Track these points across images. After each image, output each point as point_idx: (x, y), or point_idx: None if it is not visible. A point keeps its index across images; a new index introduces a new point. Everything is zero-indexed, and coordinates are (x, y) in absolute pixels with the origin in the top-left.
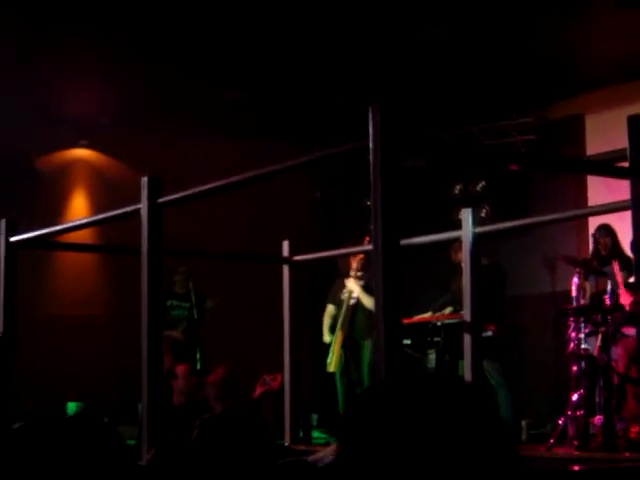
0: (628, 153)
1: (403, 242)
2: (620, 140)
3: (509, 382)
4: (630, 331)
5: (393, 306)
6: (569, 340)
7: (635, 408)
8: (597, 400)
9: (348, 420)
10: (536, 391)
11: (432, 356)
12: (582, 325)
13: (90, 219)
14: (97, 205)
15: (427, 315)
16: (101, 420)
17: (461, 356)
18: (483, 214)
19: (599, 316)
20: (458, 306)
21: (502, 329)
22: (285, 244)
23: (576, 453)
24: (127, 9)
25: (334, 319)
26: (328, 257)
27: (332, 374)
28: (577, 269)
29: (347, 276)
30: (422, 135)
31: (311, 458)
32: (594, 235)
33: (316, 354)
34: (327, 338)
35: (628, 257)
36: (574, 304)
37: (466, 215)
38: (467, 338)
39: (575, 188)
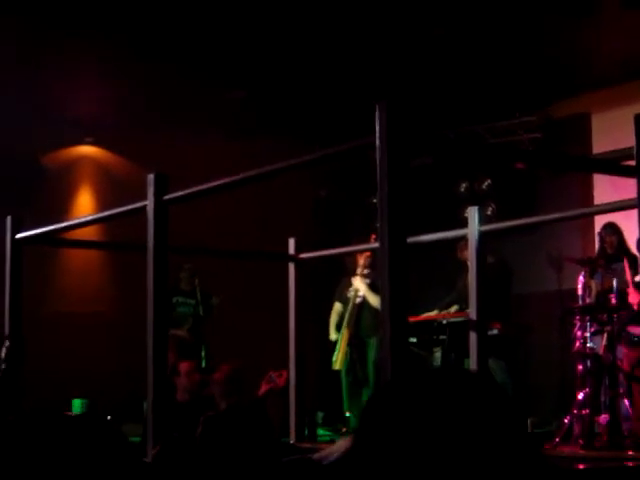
0: (634, 152)
1: (409, 240)
2: (626, 139)
3: (514, 380)
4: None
5: (399, 304)
6: (575, 339)
7: None
8: (602, 399)
9: (366, 415)
10: (541, 390)
11: (437, 354)
12: (588, 324)
13: (96, 216)
14: (102, 202)
15: (433, 313)
16: (103, 418)
17: (467, 354)
18: (489, 212)
19: (605, 315)
20: (464, 304)
21: (508, 327)
22: (291, 242)
23: (581, 452)
24: (130, 9)
25: (341, 317)
26: (334, 255)
27: (337, 372)
28: (583, 267)
29: (354, 274)
30: (428, 133)
31: (317, 456)
32: (600, 234)
33: (321, 352)
34: (333, 336)
35: (634, 256)
36: (580, 303)
37: (472, 213)
38: (473, 336)
39: (581, 186)
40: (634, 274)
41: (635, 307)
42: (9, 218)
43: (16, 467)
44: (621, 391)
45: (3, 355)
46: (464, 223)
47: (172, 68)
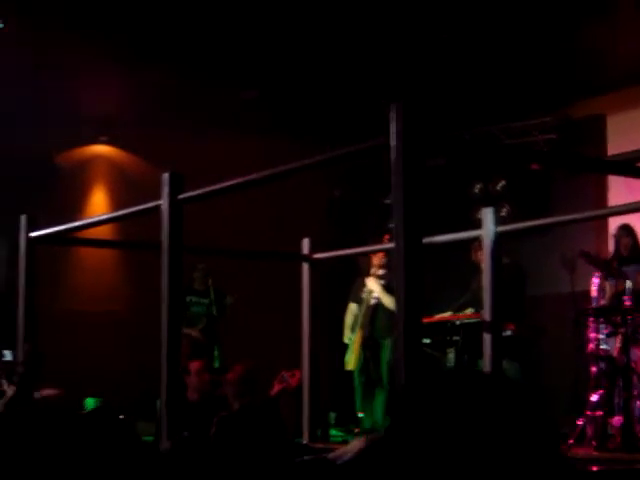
0: None
1: (423, 241)
2: None
3: (528, 382)
4: None
5: (414, 305)
6: (588, 340)
7: None
8: (616, 401)
9: (395, 416)
10: (555, 391)
11: (451, 355)
12: (602, 326)
13: (111, 215)
14: (116, 201)
15: (447, 314)
16: (116, 416)
17: (480, 355)
18: (503, 213)
19: (619, 317)
20: (478, 305)
21: (522, 329)
22: (305, 242)
23: (595, 453)
24: (145, 9)
25: (356, 318)
26: (347, 255)
27: (350, 372)
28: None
29: (368, 274)
30: (443, 134)
31: (331, 455)
32: (615, 235)
33: (335, 352)
34: (348, 337)
35: None
36: (594, 304)
37: (487, 214)
38: (487, 337)
39: (596, 188)
40: None
41: None
42: (23, 217)
43: (30, 463)
44: (635, 393)
45: (23, 359)
46: (478, 224)
47: (186, 68)
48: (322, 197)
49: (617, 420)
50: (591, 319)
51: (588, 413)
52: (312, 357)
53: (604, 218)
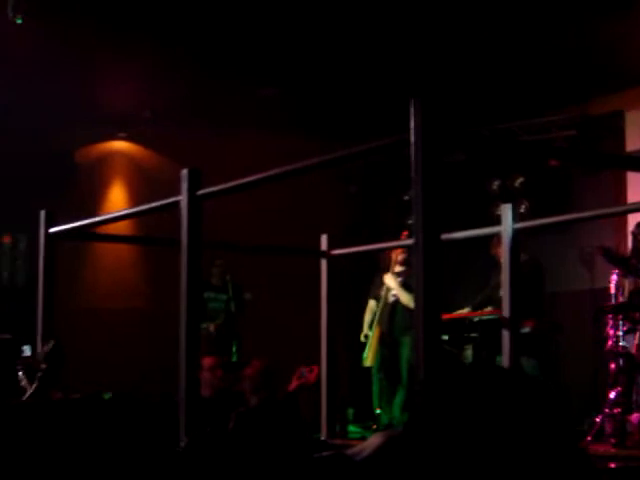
0: None
1: (442, 237)
2: None
3: (546, 379)
4: None
5: (434, 301)
6: (607, 337)
7: None
8: (634, 398)
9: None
10: (573, 388)
11: (468, 352)
12: (620, 323)
13: (130, 210)
14: (135, 197)
15: (465, 311)
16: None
17: (498, 352)
18: (522, 210)
19: (638, 314)
20: (497, 302)
21: (540, 325)
22: (323, 238)
23: (613, 451)
24: (163, 7)
25: (374, 314)
26: (365, 251)
27: (368, 369)
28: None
29: (387, 271)
30: (462, 130)
31: (349, 451)
32: (633, 232)
33: (353, 349)
34: (365, 334)
35: None
36: (612, 301)
37: (506, 210)
38: (505, 334)
39: (614, 184)
40: None
41: None
42: (42, 212)
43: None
44: None
45: (44, 355)
46: (496, 221)
47: (204, 65)
48: (340, 193)
49: (635, 417)
50: (610, 316)
51: (606, 410)
52: (330, 353)
53: (623, 215)
